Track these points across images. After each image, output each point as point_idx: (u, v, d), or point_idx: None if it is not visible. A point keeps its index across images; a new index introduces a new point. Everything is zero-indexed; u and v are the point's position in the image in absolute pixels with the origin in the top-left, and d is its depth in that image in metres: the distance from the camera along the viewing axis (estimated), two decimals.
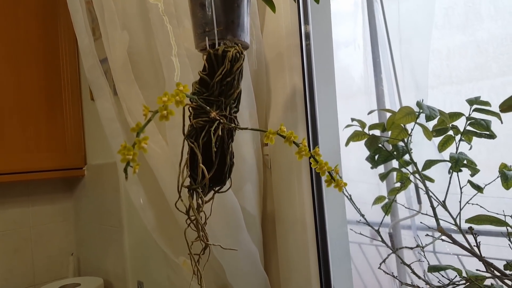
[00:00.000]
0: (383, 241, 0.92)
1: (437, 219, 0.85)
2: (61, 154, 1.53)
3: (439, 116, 0.82)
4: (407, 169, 0.92)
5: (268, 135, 0.46)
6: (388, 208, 0.93)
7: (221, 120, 0.51)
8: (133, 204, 0.84)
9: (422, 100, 0.88)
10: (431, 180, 0.77)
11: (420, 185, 0.80)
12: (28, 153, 1.43)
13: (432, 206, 0.83)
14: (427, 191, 0.86)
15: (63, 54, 1.53)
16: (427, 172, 0.79)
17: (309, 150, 0.47)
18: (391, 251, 1.08)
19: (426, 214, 0.80)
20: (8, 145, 1.38)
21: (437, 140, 0.79)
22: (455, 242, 0.80)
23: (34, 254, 1.56)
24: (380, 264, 0.84)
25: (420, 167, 0.79)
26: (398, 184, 0.84)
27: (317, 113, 0.85)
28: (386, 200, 0.84)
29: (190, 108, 0.52)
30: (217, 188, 0.57)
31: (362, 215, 0.98)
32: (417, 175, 0.80)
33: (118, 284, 1.36)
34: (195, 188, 0.52)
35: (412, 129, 0.90)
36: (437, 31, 1.06)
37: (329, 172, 0.44)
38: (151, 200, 0.84)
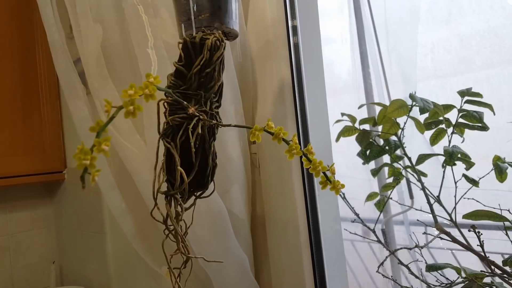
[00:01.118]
0: (379, 241, 0.89)
1: (434, 216, 0.81)
2: (39, 157, 1.44)
3: (432, 109, 0.79)
4: (400, 164, 0.90)
5: (254, 132, 0.41)
6: (383, 206, 0.90)
7: (201, 117, 0.45)
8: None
9: (415, 92, 0.85)
10: (424, 175, 0.74)
11: (413, 180, 0.77)
12: (2, 157, 1.35)
13: (429, 202, 0.80)
14: (423, 187, 0.83)
15: (40, 49, 1.44)
16: (419, 167, 0.77)
17: (301, 147, 0.41)
18: (385, 249, 1.04)
19: (420, 210, 0.77)
20: None
21: (427, 133, 0.77)
22: (454, 240, 0.76)
23: (12, 263, 1.48)
24: (378, 267, 0.81)
25: (412, 162, 0.76)
26: (390, 180, 0.83)
27: (306, 107, 0.80)
28: (379, 197, 0.81)
29: (165, 104, 0.46)
30: (198, 193, 0.51)
31: (357, 215, 0.94)
32: (409, 170, 0.78)
33: None
34: (172, 194, 0.46)
35: (405, 123, 0.87)
36: (421, 26, 1.07)
37: (324, 173, 0.39)
38: (131, 206, 0.78)
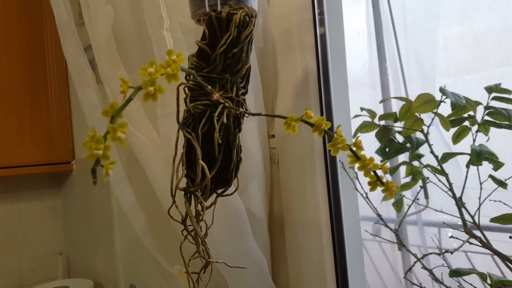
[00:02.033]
0: (400, 242, 0.84)
1: (463, 219, 0.77)
2: (47, 148, 1.41)
3: (464, 104, 0.75)
4: (421, 162, 0.86)
5: (290, 122, 0.35)
6: (401, 206, 0.84)
7: (226, 104, 0.39)
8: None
9: (445, 86, 0.81)
10: (446, 174, 0.71)
11: (433, 179, 0.74)
12: (10, 147, 1.32)
13: (457, 204, 0.76)
14: (451, 187, 0.79)
15: (48, 36, 1.40)
16: (439, 166, 0.74)
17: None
18: (401, 249, 0.99)
19: (441, 211, 0.73)
20: None
21: (444, 130, 0.75)
22: (485, 245, 0.71)
23: (20, 254, 1.47)
24: (406, 273, 0.76)
25: (429, 161, 0.74)
26: (407, 179, 0.80)
27: (332, 100, 0.74)
28: (398, 197, 0.78)
29: (186, 89, 0.41)
30: (220, 191, 0.45)
31: (379, 216, 0.89)
32: (429, 169, 0.75)
33: (109, 287, 1.27)
34: (193, 191, 0.41)
35: (433, 119, 0.83)
36: (433, 22, 1.05)
37: (374, 172, 0.33)
38: (142, 200, 0.73)
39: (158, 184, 0.66)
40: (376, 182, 0.34)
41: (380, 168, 0.33)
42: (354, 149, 0.33)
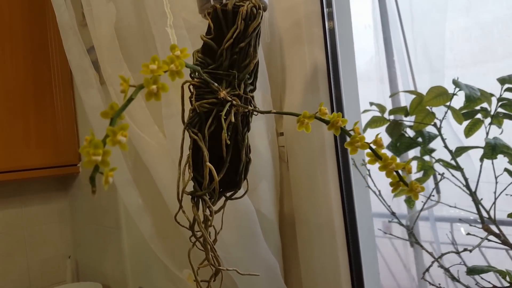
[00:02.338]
0: (416, 241, 0.83)
1: (481, 216, 0.75)
2: (53, 150, 1.40)
3: (479, 97, 0.74)
4: (432, 157, 0.84)
5: (303, 120, 0.33)
6: (414, 202, 0.84)
7: (234, 102, 0.37)
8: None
9: (458, 78, 0.79)
10: (461, 169, 0.70)
11: (446, 174, 0.72)
12: (16, 150, 1.31)
13: (474, 200, 0.73)
14: (467, 183, 0.77)
15: (52, 37, 1.39)
16: (454, 161, 0.74)
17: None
18: (413, 246, 0.97)
19: (455, 207, 0.72)
20: None
21: (455, 124, 0.74)
22: (505, 242, 0.69)
23: (28, 257, 1.46)
24: (424, 274, 0.73)
25: (440, 156, 0.73)
26: (417, 175, 0.78)
27: (343, 95, 0.71)
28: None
29: (191, 87, 0.38)
30: (229, 194, 0.43)
31: (393, 214, 0.87)
32: (441, 163, 0.74)
33: None
34: (201, 195, 0.39)
35: (446, 112, 0.80)
36: (441, 14, 1.03)
37: (397, 172, 0.30)
38: (148, 203, 0.71)
39: (164, 186, 0.64)
40: (399, 183, 0.32)
41: (403, 168, 0.31)
42: (374, 147, 0.31)
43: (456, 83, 0.76)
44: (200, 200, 0.40)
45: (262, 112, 0.37)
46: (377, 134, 0.31)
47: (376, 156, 0.31)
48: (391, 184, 0.33)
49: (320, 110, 0.33)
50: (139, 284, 1.16)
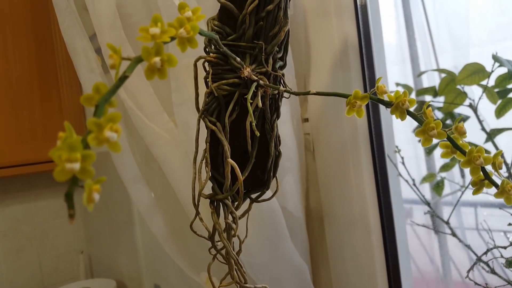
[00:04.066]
0: (453, 234, 0.76)
1: None
2: None
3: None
4: (463, 141, 0.75)
5: (354, 102, 0.24)
6: (442, 189, 0.80)
7: (261, 82, 0.29)
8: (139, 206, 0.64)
9: (496, 53, 0.71)
10: (489, 153, 0.64)
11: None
12: (23, 144, 1.28)
13: None
14: (508, 168, 0.70)
15: (56, 25, 1.32)
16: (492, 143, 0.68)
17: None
18: (437, 233, 0.94)
19: (487, 193, 0.65)
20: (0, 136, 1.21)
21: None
22: None
23: (40, 253, 1.43)
24: (468, 272, 0.67)
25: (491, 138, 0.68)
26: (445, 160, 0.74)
27: (376, 75, 0.63)
28: (438, 178, 0.75)
29: (207, 64, 0.30)
30: (255, 195, 0.35)
31: (428, 204, 0.80)
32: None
33: (133, 287, 1.21)
34: (221, 199, 0.31)
35: (483, 91, 0.73)
36: None
37: (483, 169, 0.22)
38: (160, 200, 0.64)
39: (177, 184, 0.56)
40: (483, 182, 0.24)
41: (493, 163, 0.23)
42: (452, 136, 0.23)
43: (496, 58, 0.68)
44: (220, 204, 0.32)
45: (298, 94, 0.29)
46: (457, 119, 0.22)
47: (456, 148, 0.23)
48: (473, 183, 0.24)
49: (378, 88, 0.25)
50: (155, 281, 1.11)
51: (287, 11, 0.31)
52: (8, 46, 1.24)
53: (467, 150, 0.22)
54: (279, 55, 0.32)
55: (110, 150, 0.16)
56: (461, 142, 0.24)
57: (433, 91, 0.82)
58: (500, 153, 0.23)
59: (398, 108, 0.24)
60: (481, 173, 0.23)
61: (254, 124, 0.27)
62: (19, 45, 1.26)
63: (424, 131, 0.23)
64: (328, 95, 0.27)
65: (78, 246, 1.49)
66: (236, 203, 0.33)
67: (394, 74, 1.17)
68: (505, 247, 0.64)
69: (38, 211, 1.43)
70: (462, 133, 0.23)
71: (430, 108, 0.24)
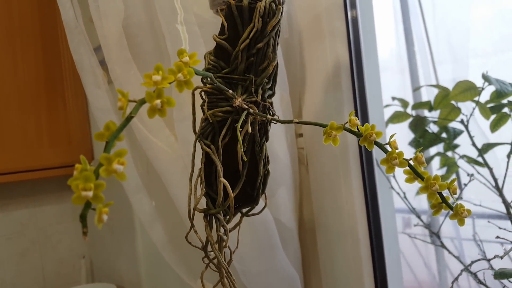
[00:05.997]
0: (442, 246, 0.80)
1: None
2: (65, 149, 1.39)
3: (510, 91, 0.71)
4: (457, 153, 0.79)
5: (330, 131, 0.28)
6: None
7: (251, 110, 0.33)
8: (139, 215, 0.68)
9: (487, 72, 0.75)
10: (490, 168, 0.69)
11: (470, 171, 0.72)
12: (29, 150, 1.31)
13: (505, 202, 0.71)
14: (497, 183, 0.74)
15: (62, 35, 1.37)
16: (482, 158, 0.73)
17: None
18: (433, 241, 0.96)
19: (480, 206, 0.71)
20: (6, 142, 1.25)
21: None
22: None
23: (42, 257, 1.46)
24: (453, 282, 0.69)
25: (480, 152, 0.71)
26: (440, 171, 0.79)
27: (367, 93, 0.66)
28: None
29: (203, 93, 0.34)
30: (245, 210, 0.39)
31: (419, 217, 0.83)
32: (465, 159, 0.74)
33: None
34: (214, 214, 0.35)
35: (474, 108, 0.76)
36: (457, 2, 1.01)
37: (440, 194, 0.26)
38: (161, 210, 0.67)
39: (176, 194, 0.60)
40: (441, 205, 0.27)
41: (448, 188, 0.26)
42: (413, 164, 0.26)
43: (485, 77, 0.71)
44: (213, 218, 0.36)
45: (282, 122, 0.33)
46: (418, 151, 0.26)
47: (417, 175, 0.26)
48: (432, 206, 0.28)
49: (350, 121, 0.28)
50: (155, 286, 1.13)
51: (275, 48, 0.34)
52: (17, 56, 1.28)
53: (425, 177, 0.26)
54: (268, 86, 0.36)
55: (117, 179, 0.20)
56: (424, 170, 0.27)
57: (429, 105, 0.85)
58: (454, 181, 0.26)
59: (366, 139, 0.27)
60: (438, 196, 0.26)
61: (242, 150, 0.30)
62: (28, 56, 1.30)
63: (387, 160, 0.26)
64: (309, 124, 0.30)
65: (80, 251, 1.51)
66: (228, 217, 0.37)
67: (393, 85, 1.20)
68: (488, 260, 0.67)
69: (42, 216, 1.45)
70: (421, 163, 0.26)
71: (395, 140, 0.27)
